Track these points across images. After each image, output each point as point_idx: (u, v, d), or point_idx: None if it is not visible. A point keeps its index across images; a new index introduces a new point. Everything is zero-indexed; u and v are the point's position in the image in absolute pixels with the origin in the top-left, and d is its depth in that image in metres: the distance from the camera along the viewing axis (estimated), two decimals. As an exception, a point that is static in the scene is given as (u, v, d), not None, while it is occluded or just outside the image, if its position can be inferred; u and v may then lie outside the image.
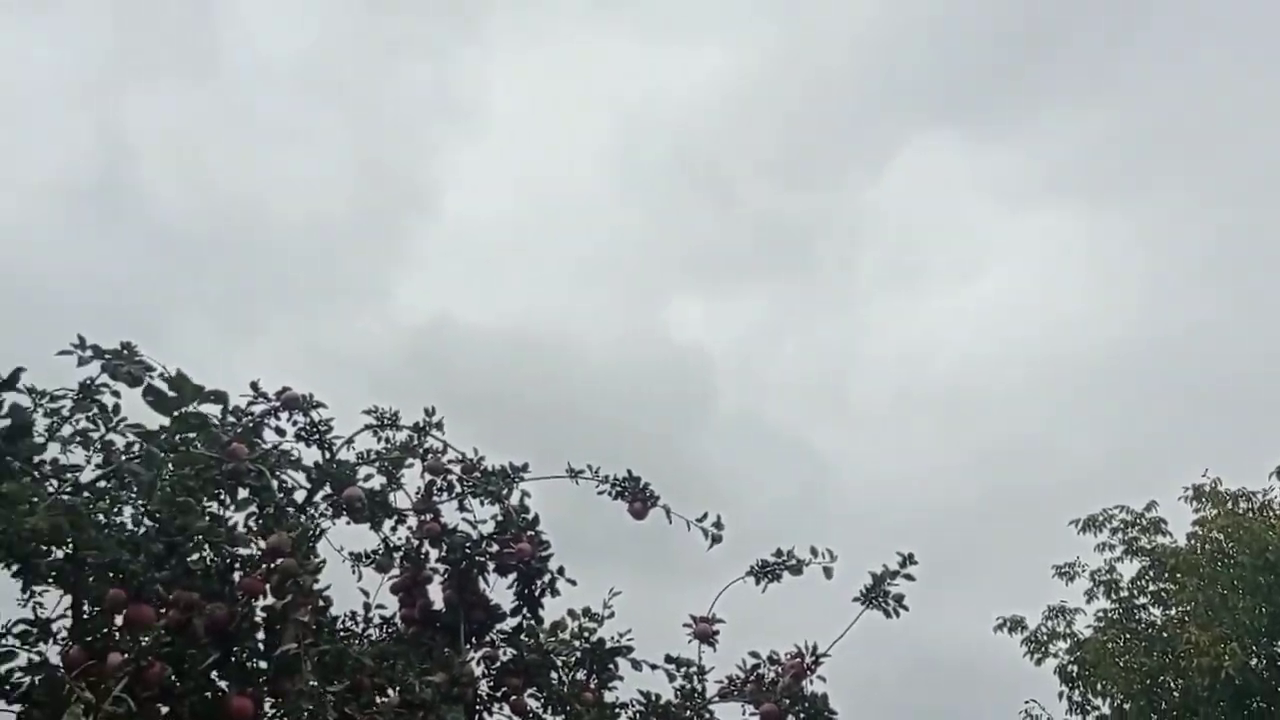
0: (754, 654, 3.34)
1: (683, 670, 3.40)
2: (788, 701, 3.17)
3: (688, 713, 3.31)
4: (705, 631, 3.39)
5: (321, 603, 2.84)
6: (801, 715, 3.16)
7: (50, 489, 2.75)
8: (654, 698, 3.28)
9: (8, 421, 2.62)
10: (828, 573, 3.28)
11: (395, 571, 3.50)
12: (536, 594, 3.32)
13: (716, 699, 3.34)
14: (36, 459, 2.67)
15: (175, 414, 2.44)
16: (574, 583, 3.35)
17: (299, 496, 3.25)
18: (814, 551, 3.33)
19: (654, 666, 3.42)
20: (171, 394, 2.39)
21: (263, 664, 2.84)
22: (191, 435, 2.43)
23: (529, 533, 3.34)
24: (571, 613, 3.48)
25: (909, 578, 3.26)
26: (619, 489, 3.46)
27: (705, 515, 3.39)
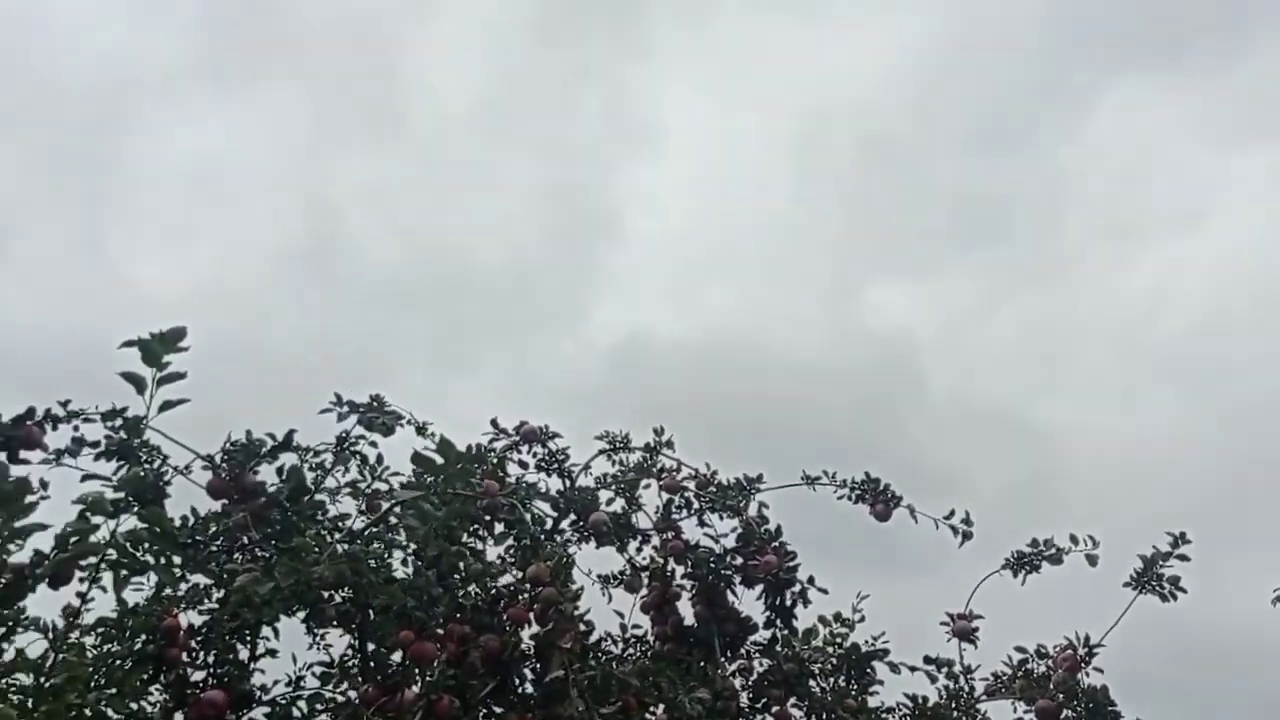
0: (1020, 648, 3.23)
1: (944, 670, 3.32)
2: (1063, 696, 3.04)
3: (955, 713, 3.23)
4: (965, 629, 3.30)
5: (583, 628, 2.92)
6: (1080, 710, 3.02)
7: (328, 539, 2.94)
8: (920, 700, 3.21)
9: (291, 483, 2.84)
10: (1092, 560, 3.14)
11: (644, 591, 3.58)
12: (789, 604, 3.31)
13: (984, 697, 3.24)
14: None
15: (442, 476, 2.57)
16: (825, 591, 3.32)
17: (546, 525, 3.39)
18: (1074, 539, 3.19)
19: (913, 669, 3.36)
20: (439, 460, 2.54)
21: (533, 690, 2.96)
22: (456, 490, 2.56)
23: (773, 544, 3.34)
24: (822, 619, 3.46)
25: (1183, 558, 3.08)
26: (859, 492, 3.42)
27: (952, 512, 3.31)
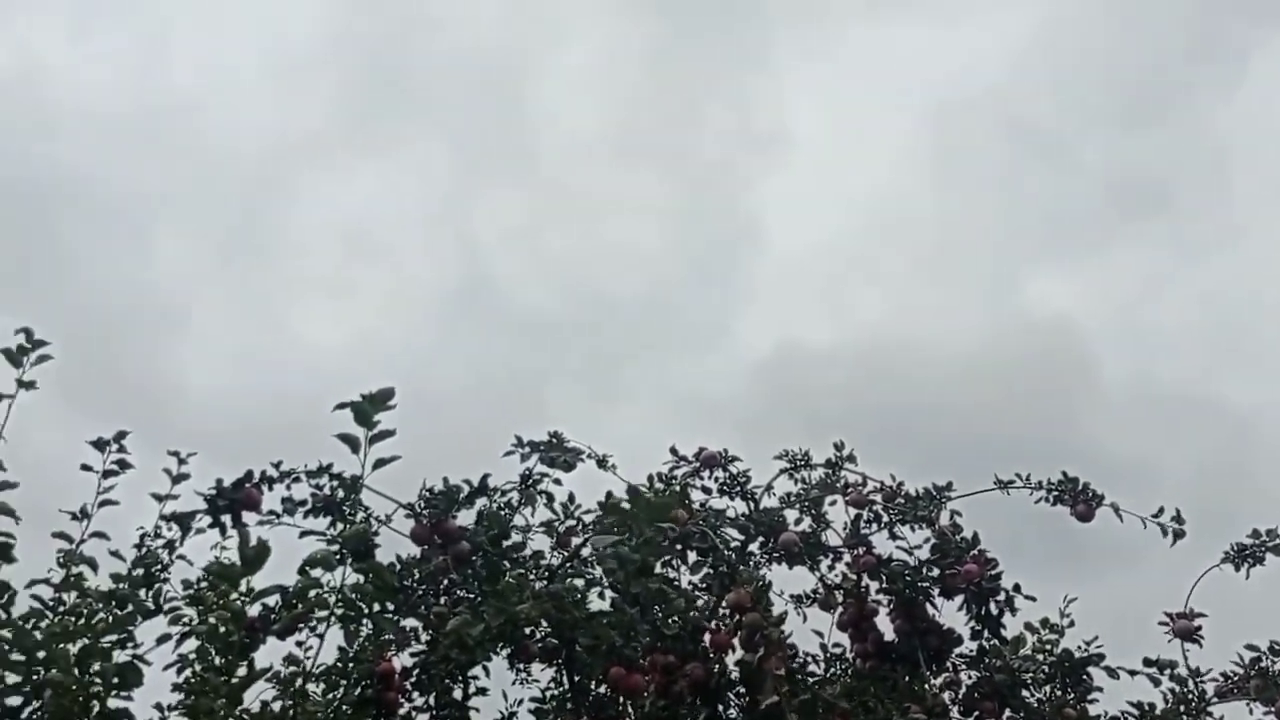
0: (1251, 646, 3.05)
1: (1167, 672, 3.16)
2: (1306, 696, 2.86)
3: (1185, 719, 3.07)
4: (1187, 628, 3.14)
5: (789, 651, 2.90)
6: (1327, 709, 2.84)
7: (528, 578, 3.01)
8: (1146, 707, 3.07)
9: (491, 527, 2.93)
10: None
11: (839, 609, 3.53)
12: (995, 613, 3.21)
13: (1216, 699, 3.07)
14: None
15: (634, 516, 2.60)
16: (1033, 598, 3.21)
17: (735, 549, 3.38)
18: (1302, 527, 3.01)
19: (1133, 673, 3.21)
20: (629, 508, 2.57)
21: (742, 717, 2.95)
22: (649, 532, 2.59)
23: (972, 552, 3.25)
24: (1029, 626, 3.35)
25: None
26: (1057, 493, 3.31)
27: (1161, 510, 3.16)
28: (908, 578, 3.35)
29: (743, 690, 2.96)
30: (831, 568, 3.48)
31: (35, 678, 2.74)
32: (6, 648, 2.80)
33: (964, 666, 3.34)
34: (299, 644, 3.10)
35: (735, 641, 2.93)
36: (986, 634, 3.25)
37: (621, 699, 2.83)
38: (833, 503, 3.54)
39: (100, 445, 3.00)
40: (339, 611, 2.57)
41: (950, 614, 3.37)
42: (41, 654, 2.78)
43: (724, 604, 2.99)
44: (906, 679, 3.27)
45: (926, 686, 3.18)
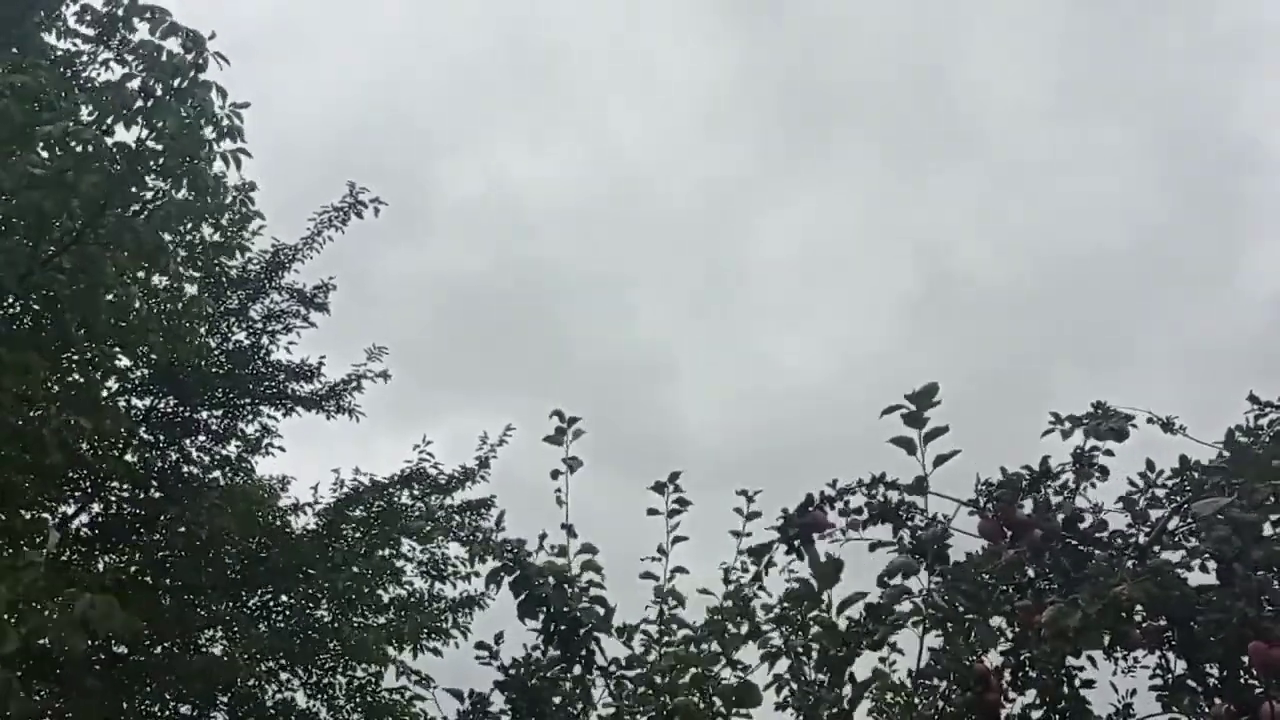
0: None
1: None
2: None
3: None
4: None
5: None
6: None
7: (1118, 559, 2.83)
8: None
9: (1066, 510, 2.79)
10: None
11: None
12: None
13: None
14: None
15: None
16: None
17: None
18: None
19: None
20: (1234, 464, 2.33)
21: None
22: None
23: None
24: None
25: None
26: None
27: None
28: None
29: None
30: None
31: (665, 707, 3.05)
32: (633, 684, 3.15)
33: None
34: (881, 659, 3.15)
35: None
36: None
37: (1264, 678, 2.54)
38: None
39: (660, 488, 3.29)
40: (930, 614, 2.59)
41: None
42: (660, 680, 3.09)
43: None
44: None
45: None
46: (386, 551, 9.25)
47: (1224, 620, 2.44)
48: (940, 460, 2.45)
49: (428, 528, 9.24)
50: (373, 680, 9.02)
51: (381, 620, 9.20)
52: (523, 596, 2.98)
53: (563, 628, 2.99)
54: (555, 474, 3.23)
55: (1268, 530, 2.80)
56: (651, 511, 3.33)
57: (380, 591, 9.22)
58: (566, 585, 3.02)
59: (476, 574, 9.29)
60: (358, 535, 9.08)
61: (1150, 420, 3.26)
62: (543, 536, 3.13)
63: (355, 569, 8.84)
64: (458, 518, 9.39)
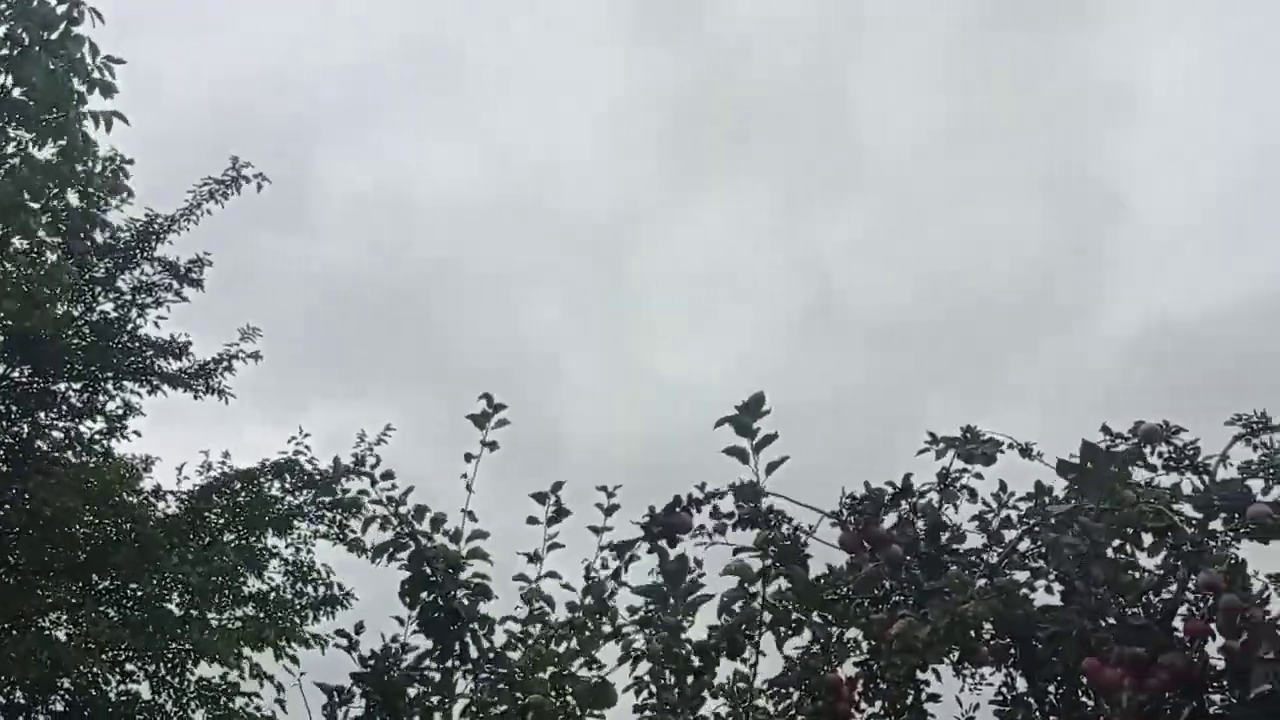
0: None
1: None
2: None
3: None
4: None
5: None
6: None
7: (969, 576, 2.90)
8: None
9: (928, 523, 2.85)
10: None
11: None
12: None
13: None
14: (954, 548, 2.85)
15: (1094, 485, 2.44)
16: None
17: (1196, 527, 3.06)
18: None
19: None
20: (1088, 466, 2.41)
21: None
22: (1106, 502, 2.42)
23: None
24: None
25: None
26: None
27: None
28: None
29: (1227, 681, 2.67)
30: (1315, 540, 3.05)
31: (519, 702, 3.00)
32: (493, 678, 3.10)
33: None
34: (743, 659, 3.18)
35: (1213, 627, 2.65)
36: None
37: (1095, 696, 2.63)
38: (1307, 466, 3.11)
39: (541, 498, 3.26)
40: (767, 619, 2.62)
41: None
42: (519, 678, 3.04)
43: (1192, 587, 2.72)
44: None
45: None
46: (252, 541, 8.94)
47: (1062, 635, 2.52)
48: (772, 467, 2.51)
49: (296, 521, 9.00)
50: (222, 680, 8.63)
51: (239, 614, 8.87)
52: (410, 577, 2.89)
53: (442, 616, 2.92)
54: (469, 457, 3.16)
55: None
56: (531, 520, 3.30)
57: (240, 585, 8.90)
58: (454, 571, 2.95)
59: (341, 585, 9.07)
60: (221, 523, 8.76)
61: (1011, 446, 3.37)
62: (440, 519, 3.06)
63: (215, 559, 8.51)
64: (330, 514, 9.15)
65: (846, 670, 3.15)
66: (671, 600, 2.79)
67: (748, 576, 2.65)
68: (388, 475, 2.98)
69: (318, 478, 8.93)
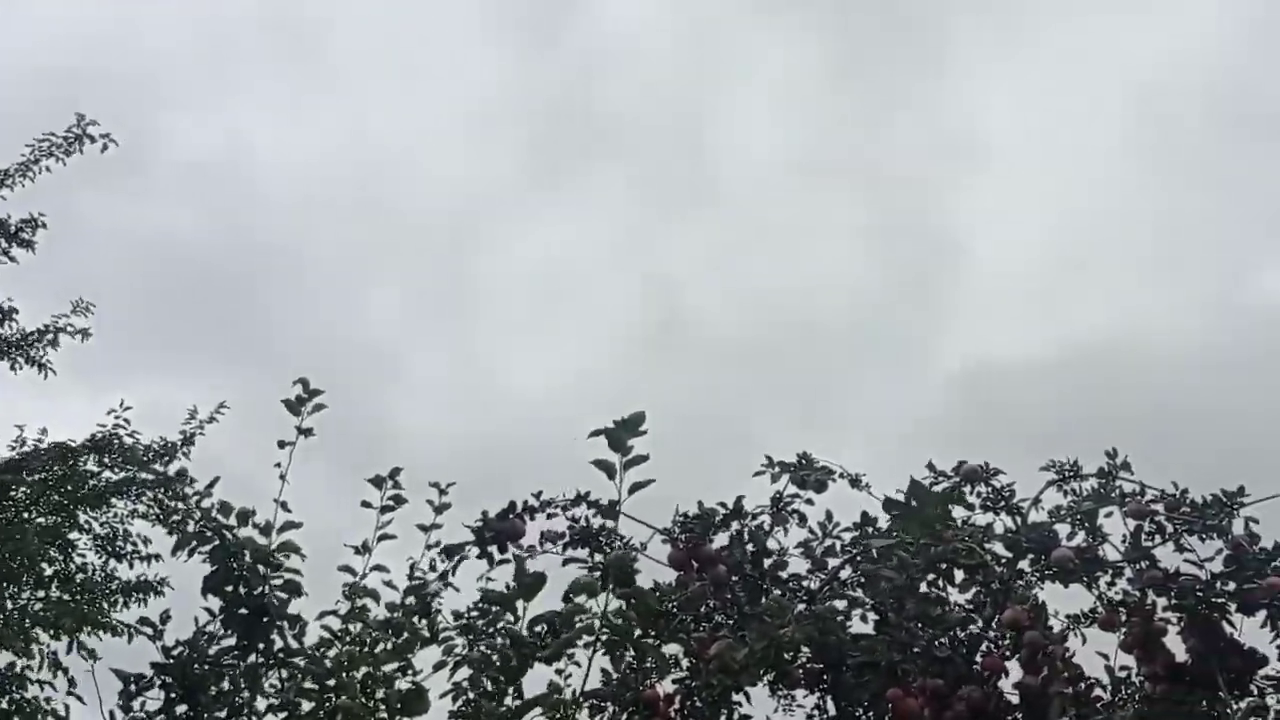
0: None
1: None
2: None
3: None
4: None
5: (1076, 671, 2.72)
6: None
7: (789, 601, 2.96)
8: None
9: (754, 546, 2.90)
10: None
11: (1122, 628, 3.28)
12: (1311, 629, 2.90)
13: None
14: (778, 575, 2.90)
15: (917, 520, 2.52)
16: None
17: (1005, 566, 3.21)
18: None
19: None
20: (913, 504, 2.49)
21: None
22: (923, 540, 2.50)
23: (1275, 564, 2.95)
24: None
25: None
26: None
27: None
28: (1199, 594, 3.07)
29: (1021, 715, 2.80)
30: (1111, 584, 3.24)
31: (327, 704, 2.90)
32: (300, 676, 2.99)
33: (1271, 690, 3.02)
34: (559, 671, 3.16)
35: (1012, 663, 2.78)
36: (1305, 653, 2.93)
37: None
38: (1109, 514, 3.30)
39: (378, 482, 3.16)
40: (604, 637, 2.61)
41: (1251, 633, 3.07)
42: (331, 681, 2.95)
43: (997, 623, 2.84)
44: (1204, 704, 2.99)
45: (1229, 711, 2.90)
46: (60, 520, 8.43)
47: (871, 665, 2.60)
48: (636, 487, 2.49)
49: (114, 499, 8.52)
50: (8, 670, 8.01)
51: (39, 596, 8.33)
52: (213, 571, 2.75)
53: (247, 612, 2.78)
54: (283, 444, 3.02)
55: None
56: (365, 504, 3.20)
57: (43, 564, 8.36)
58: (262, 566, 2.82)
59: (158, 556, 8.67)
60: (25, 500, 8.23)
61: (841, 475, 3.47)
62: (250, 512, 2.92)
63: (15, 538, 7.96)
64: (149, 492, 8.71)
65: (665, 686, 3.18)
66: (520, 610, 2.74)
67: (591, 592, 2.64)
68: (182, 474, 2.85)
69: (141, 453, 8.50)
